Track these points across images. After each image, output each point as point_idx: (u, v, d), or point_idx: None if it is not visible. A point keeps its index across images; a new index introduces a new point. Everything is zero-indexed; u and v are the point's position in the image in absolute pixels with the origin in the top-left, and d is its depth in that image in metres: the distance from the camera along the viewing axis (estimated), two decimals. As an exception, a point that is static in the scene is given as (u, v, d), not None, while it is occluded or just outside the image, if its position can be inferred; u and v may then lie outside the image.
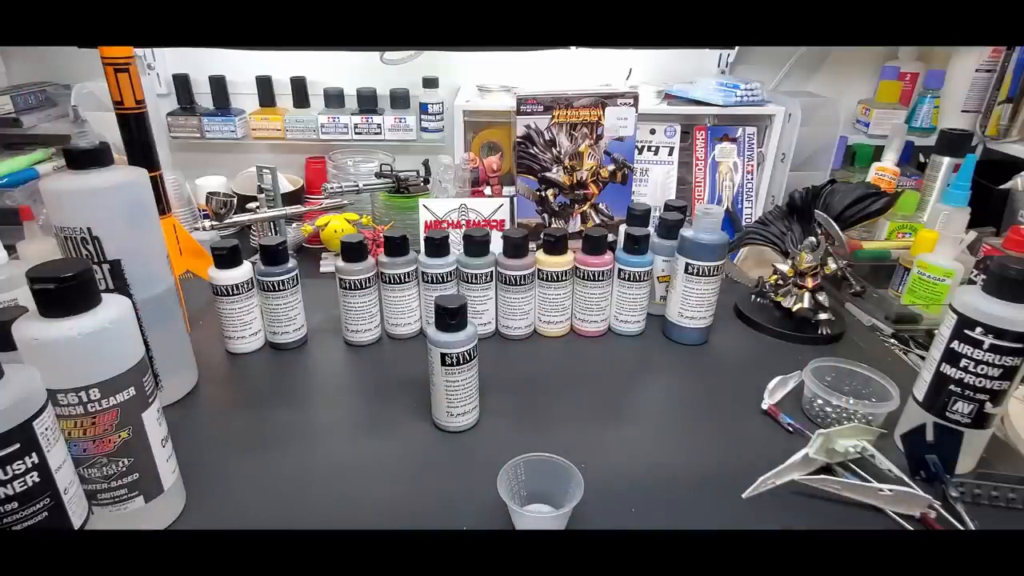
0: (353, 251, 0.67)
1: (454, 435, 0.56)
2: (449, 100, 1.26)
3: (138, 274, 0.52)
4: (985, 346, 0.47)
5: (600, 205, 0.98)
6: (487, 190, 1.10)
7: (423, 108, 1.26)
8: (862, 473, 0.51)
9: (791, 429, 0.57)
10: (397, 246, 0.67)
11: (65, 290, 0.36)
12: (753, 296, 0.80)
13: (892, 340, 0.79)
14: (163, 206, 0.64)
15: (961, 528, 0.46)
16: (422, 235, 0.92)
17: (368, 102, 1.27)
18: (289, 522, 0.46)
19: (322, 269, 1.04)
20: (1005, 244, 0.85)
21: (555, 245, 0.69)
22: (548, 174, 0.95)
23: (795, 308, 0.74)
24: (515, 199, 0.98)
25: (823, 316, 0.73)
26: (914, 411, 0.53)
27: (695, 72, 1.31)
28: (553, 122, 0.92)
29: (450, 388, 0.54)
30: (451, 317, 0.52)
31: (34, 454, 0.34)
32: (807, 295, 0.73)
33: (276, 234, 0.99)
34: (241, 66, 1.28)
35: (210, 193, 0.91)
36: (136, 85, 0.61)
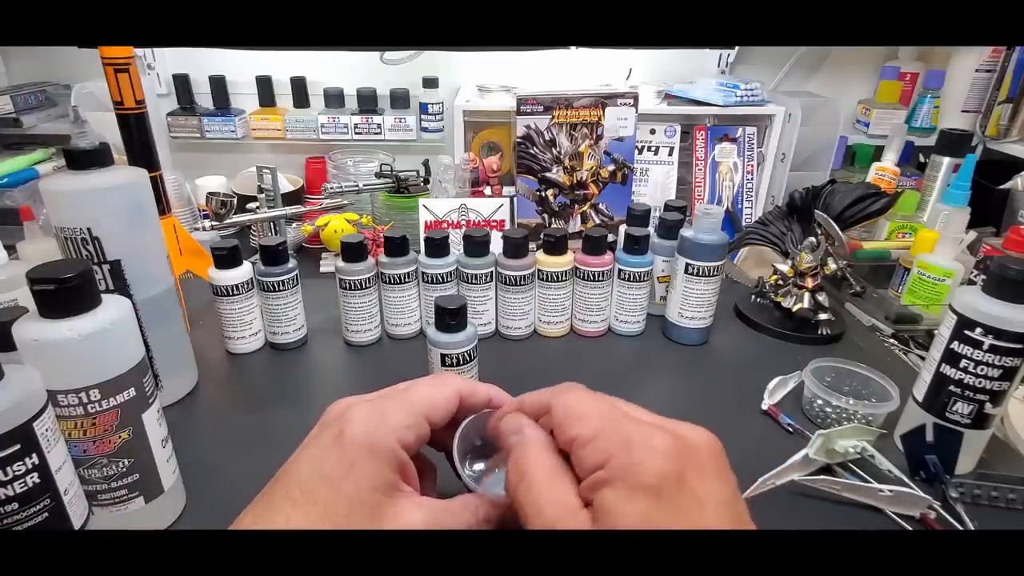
0: (353, 251, 0.67)
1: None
2: (449, 100, 1.26)
3: (138, 274, 0.52)
4: (985, 347, 0.47)
5: (600, 205, 0.98)
6: (487, 190, 1.10)
7: (423, 108, 1.26)
8: (862, 473, 0.51)
9: (791, 429, 0.57)
10: (397, 246, 0.67)
11: (65, 291, 0.36)
12: (753, 296, 0.80)
13: (892, 340, 0.79)
14: (163, 206, 0.64)
15: (961, 528, 0.46)
16: (422, 235, 0.92)
17: (368, 102, 1.28)
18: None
19: (322, 269, 1.04)
20: (1005, 244, 0.85)
21: (555, 245, 0.69)
22: (548, 174, 0.95)
23: (795, 308, 0.74)
24: (515, 199, 0.98)
25: (823, 316, 0.73)
26: (914, 411, 0.53)
27: (695, 72, 1.31)
28: (553, 122, 0.92)
29: (450, 388, 0.54)
30: (451, 317, 0.52)
31: (34, 455, 0.34)
32: (807, 295, 0.73)
33: (276, 234, 0.99)
34: (241, 66, 1.28)
35: (210, 193, 0.91)
36: (136, 85, 0.61)
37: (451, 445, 0.33)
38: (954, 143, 1.05)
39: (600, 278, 0.70)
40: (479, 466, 0.35)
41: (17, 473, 0.33)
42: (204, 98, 1.30)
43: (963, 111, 1.28)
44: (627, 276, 0.70)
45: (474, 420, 0.34)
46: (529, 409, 0.30)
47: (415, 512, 0.29)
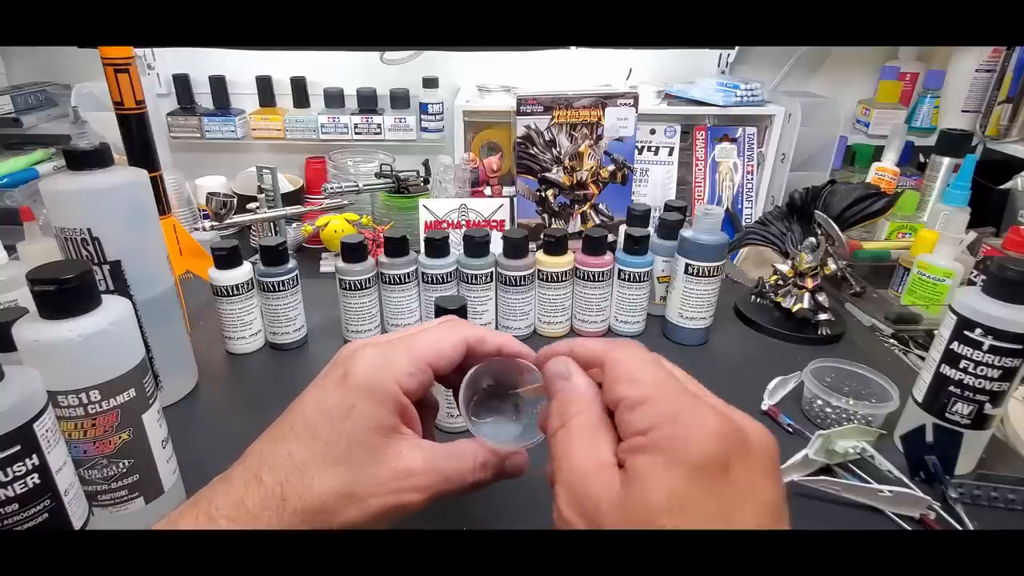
0: (353, 251, 0.67)
1: (454, 436, 0.56)
2: (449, 100, 1.26)
3: (138, 275, 0.52)
4: (984, 347, 0.47)
5: (600, 205, 0.98)
6: (487, 190, 1.10)
7: (423, 108, 1.26)
8: (861, 474, 0.51)
9: (791, 430, 0.57)
10: (397, 246, 0.67)
11: (65, 292, 0.36)
12: (753, 296, 0.80)
13: (892, 340, 0.79)
14: (163, 206, 0.64)
15: (960, 529, 0.46)
16: (422, 235, 0.92)
17: (368, 102, 1.28)
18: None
19: (322, 269, 1.04)
20: (1005, 244, 0.85)
21: (555, 245, 0.69)
22: (548, 174, 0.95)
23: (795, 308, 0.74)
24: (515, 199, 0.98)
25: (823, 316, 0.73)
26: (914, 412, 0.53)
27: (695, 72, 1.31)
28: (553, 122, 0.92)
29: (450, 389, 0.54)
30: (451, 318, 0.52)
31: (35, 456, 0.34)
32: (807, 295, 0.73)
33: (276, 234, 0.99)
34: (241, 66, 1.28)
35: (210, 193, 0.91)
36: (136, 85, 0.61)
37: (459, 387, 0.34)
38: (954, 143, 1.05)
39: (600, 278, 0.70)
40: (486, 416, 0.35)
41: (17, 474, 0.33)
42: (204, 98, 1.30)
43: (963, 111, 1.28)
44: (627, 276, 0.70)
45: (485, 367, 0.34)
46: (580, 357, 0.30)
47: (413, 454, 0.30)
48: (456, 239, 0.71)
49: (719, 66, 1.34)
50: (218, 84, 1.28)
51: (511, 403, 0.36)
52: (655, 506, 0.22)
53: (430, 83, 1.24)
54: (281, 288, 0.67)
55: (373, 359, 0.31)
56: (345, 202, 1.05)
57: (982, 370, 0.47)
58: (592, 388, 0.28)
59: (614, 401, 0.26)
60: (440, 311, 0.52)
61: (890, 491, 0.47)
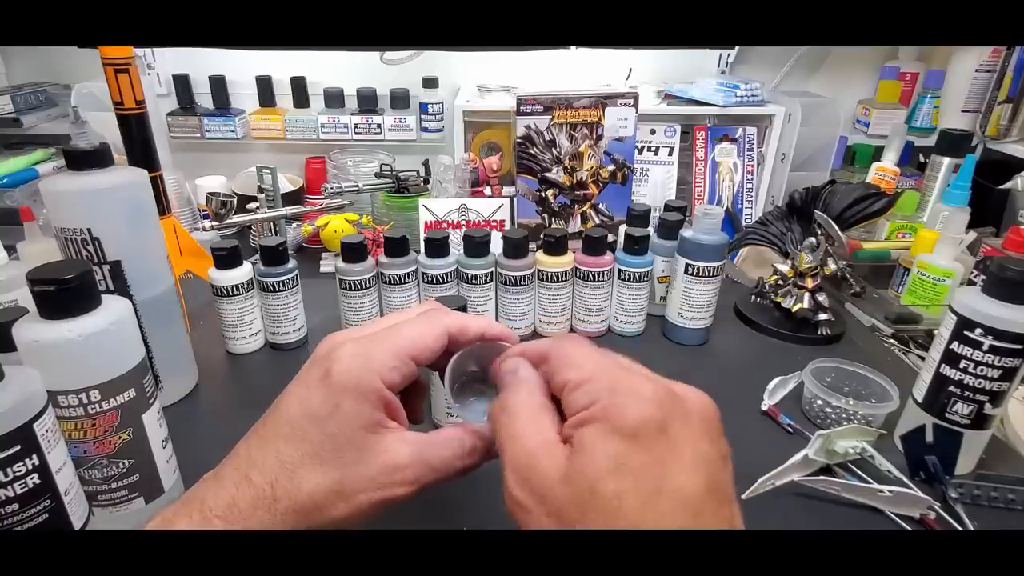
0: (353, 251, 0.67)
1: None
2: (449, 100, 1.26)
3: (138, 275, 0.52)
4: (984, 347, 0.47)
5: (600, 205, 0.98)
6: (487, 190, 1.10)
7: (423, 108, 1.26)
8: (861, 474, 0.51)
9: (791, 430, 0.57)
10: (397, 247, 0.67)
11: (65, 292, 0.36)
12: (753, 296, 0.80)
13: (892, 340, 0.79)
14: (163, 206, 0.64)
15: (960, 529, 0.46)
16: (422, 235, 0.92)
17: (368, 102, 1.28)
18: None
19: (322, 269, 1.04)
20: (1005, 244, 0.85)
21: (555, 245, 0.69)
22: (548, 174, 0.95)
23: (795, 308, 0.74)
24: (515, 199, 0.98)
25: (823, 316, 0.73)
26: (914, 412, 0.53)
27: (695, 72, 1.31)
28: (553, 122, 0.92)
29: (450, 389, 0.54)
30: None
31: (35, 456, 0.34)
32: (807, 295, 0.73)
33: (276, 234, 0.99)
34: (241, 66, 1.28)
35: (210, 193, 0.91)
36: (136, 85, 0.61)
37: (444, 370, 0.34)
38: (954, 143, 1.05)
39: (600, 278, 0.70)
40: (472, 399, 0.35)
41: (18, 474, 0.33)
42: (204, 98, 1.30)
43: (963, 111, 1.28)
44: (627, 276, 0.70)
45: (468, 352, 0.34)
46: (530, 355, 0.31)
47: (401, 447, 0.30)
48: (456, 239, 0.71)
49: (719, 66, 1.34)
50: (218, 84, 1.28)
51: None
52: (598, 470, 0.23)
53: (430, 83, 1.24)
54: (281, 288, 0.67)
55: (354, 356, 0.30)
56: (345, 202, 1.05)
57: (982, 370, 0.47)
58: (536, 377, 0.29)
59: (559, 386, 0.27)
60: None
61: (890, 491, 0.47)
